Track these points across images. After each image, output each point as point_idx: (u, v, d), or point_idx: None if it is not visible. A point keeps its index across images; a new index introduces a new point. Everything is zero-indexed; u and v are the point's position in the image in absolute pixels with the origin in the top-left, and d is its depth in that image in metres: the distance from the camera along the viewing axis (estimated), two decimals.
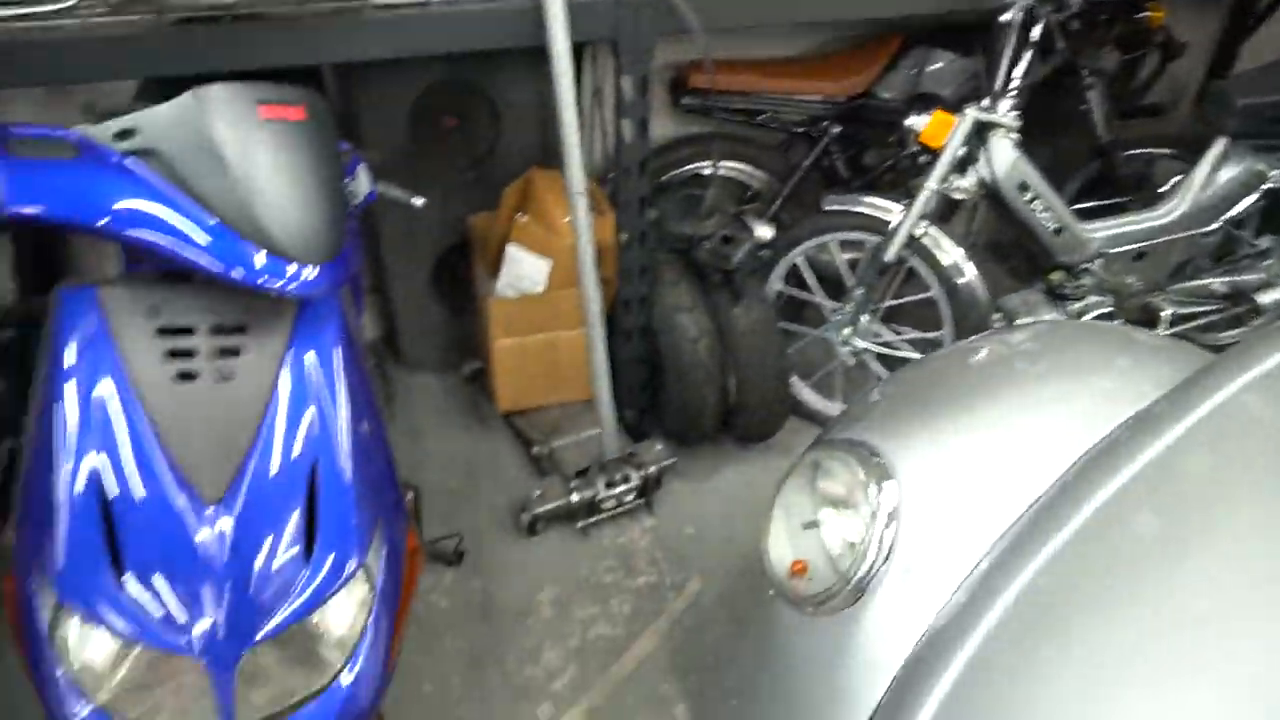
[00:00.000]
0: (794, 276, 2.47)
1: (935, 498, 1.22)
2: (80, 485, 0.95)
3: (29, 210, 0.91)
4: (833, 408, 2.50)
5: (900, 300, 2.37)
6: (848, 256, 2.40)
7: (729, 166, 2.73)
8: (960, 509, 1.20)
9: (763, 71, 2.61)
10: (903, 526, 1.20)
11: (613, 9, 1.85)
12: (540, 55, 1.85)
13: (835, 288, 2.43)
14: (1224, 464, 1.10)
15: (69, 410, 0.97)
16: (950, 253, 2.20)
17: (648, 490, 2.24)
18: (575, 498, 2.14)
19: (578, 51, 1.88)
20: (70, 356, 0.99)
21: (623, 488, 2.17)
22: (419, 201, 1.42)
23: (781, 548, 1.31)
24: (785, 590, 1.27)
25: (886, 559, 1.19)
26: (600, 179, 2.60)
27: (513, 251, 2.29)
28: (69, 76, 1.52)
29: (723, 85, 2.55)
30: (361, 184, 1.25)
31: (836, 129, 2.63)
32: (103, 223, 0.94)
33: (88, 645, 0.93)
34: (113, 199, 0.94)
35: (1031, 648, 1.03)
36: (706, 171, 2.69)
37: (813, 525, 1.29)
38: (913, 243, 2.17)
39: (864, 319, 2.34)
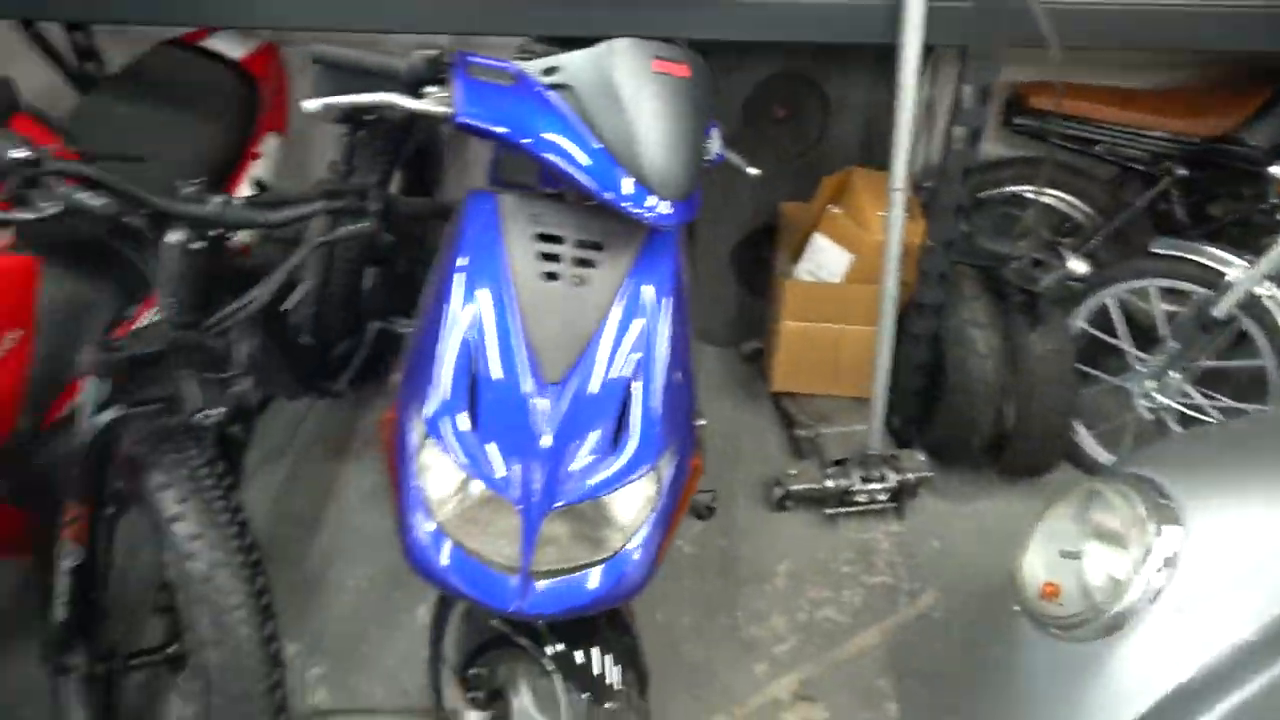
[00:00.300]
0: (1101, 317, 2.35)
1: (1223, 554, 1.17)
2: (456, 349, 1.18)
3: (475, 121, 1.14)
4: None
5: (1221, 364, 2.19)
6: (1167, 307, 2.25)
7: (1052, 194, 2.64)
8: (1248, 572, 1.14)
9: (1110, 100, 2.49)
10: (1179, 574, 1.16)
11: (968, 14, 1.88)
12: (881, 55, 1.92)
13: (1144, 338, 2.29)
14: None
15: (458, 286, 1.20)
16: None
17: (901, 496, 2.26)
18: (829, 484, 2.21)
19: (923, 54, 1.92)
20: (468, 243, 1.22)
21: (877, 485, 2.20)
22: (754, 171, 1.55)
23: (1036, 568, 1.31)
24: (1032, 609, 1.28)
25: (1152, 601, 1.16)
26: (916, 186, 2.62)
27: (818, 240, 2.38)
28: (492, 30, 1.87)
29: (1064, 109, 2.47)
30: (714, 144, 1.40)
31: (1182, 170, 2.46)
32: (526, 141, 1.15)
33: (439, 471, 1.15)
34: (537, 122, 1.15)
35: None
36: (1027, 195, 2.61)
37: (1074, 555, 1.27)
38: (1251, 303, 2.00)
39: (1173, 375, 2.19)
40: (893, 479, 2.21)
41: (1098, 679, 1.15)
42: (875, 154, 2.63)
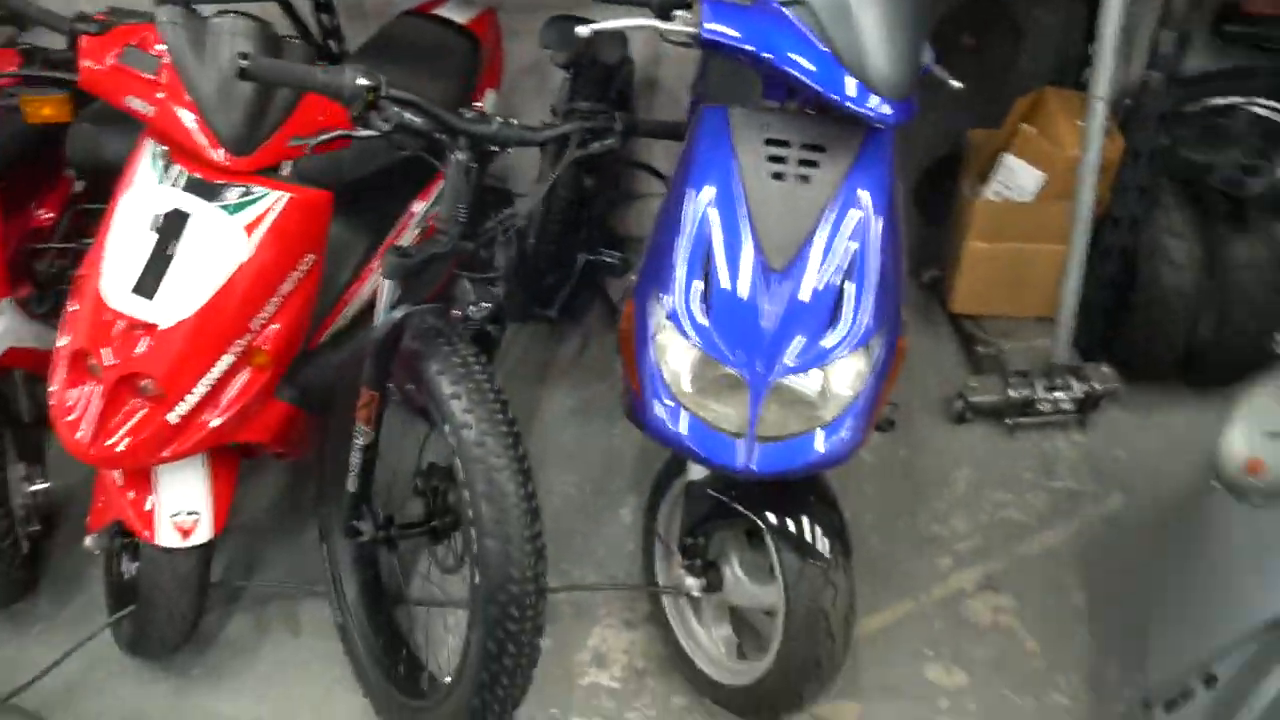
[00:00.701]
0: None
1: None
2: (691, 241, 1.34)
3: (716, 36, 1.28)
4: None
5: None
6: None
7: (1268, 105, 2.52)
8: None
9: None
10: None
11: None
12: None
13: None
14: None
15: (694, 186, 1.36)
16: None
17: (1085, 407, 2.29)
18: (1012, 394, 2.27)
19: None
20: (703, 150, 1.38)
21: (1061, 394, 2.24)
22: (957, 84, 1.61)
23: (1239, 445, 1.34)
24: (1234, 483, 1.32)
25: None
26: (1114, 102, 2.58)
27: (1009, 160, 2.41)
28: None
29: None
30: (925, 55, 1.48)
31: None
32: (766, 55, 1.28)
33: (676, 351, 1.34)
34: (773, 35, 1.28)
35: None
36: (1237, 105, 2.51)
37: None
38: None
39: None
40: (1078, 389, 2.24)
41: None
42: (1068, 77, 2.60)
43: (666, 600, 1.82)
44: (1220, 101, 2.53)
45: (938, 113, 2.60)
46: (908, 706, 1.75)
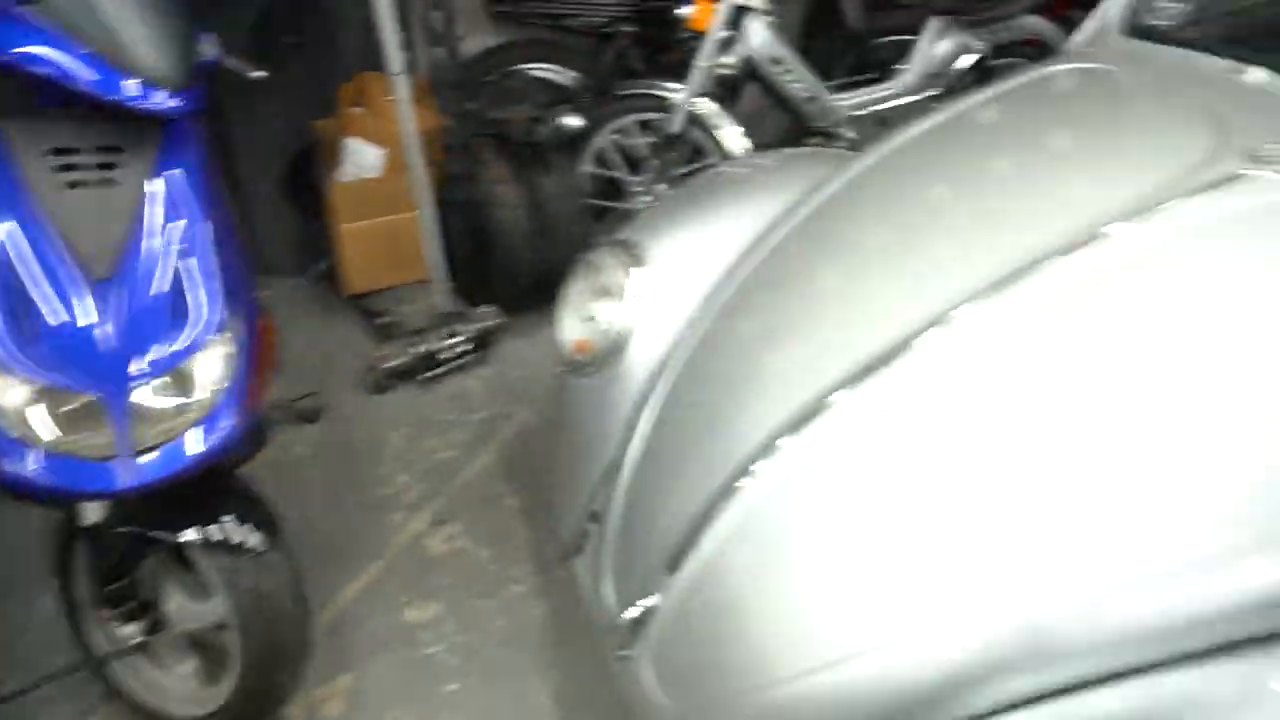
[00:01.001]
0: (604, 160, 2.82)
1: (676, 279, 1.59)
2: None
3: None
4: None
5: (692, 168, 2.75)
6: (647, 141, 2.77)
7: (542, 67, 3.05)
8: (694, 285, 1.57)
9: None
10: (650, 303, 1.56)
11: None
12: None
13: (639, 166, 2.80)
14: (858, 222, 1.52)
15: None
16: (726, 126, 2.60)
17: (480, 345, 2.58)
18: (414, 352, 2.47)
19: None
20: None
21: (454, 340, 2.50)
22: (256, 74, 1.65)
23: (569, 332, 1.66)
24: (570, 363, 1.64)
25: (638, 329, 1.55)
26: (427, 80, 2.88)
27: (350, 143, 2.56)
28: None
29: None
30: (208, 48, 1.49)
31: (633, 29, 2.98)
32: (6, 61, 1.19)
33: (7, 392, 1.20)
34: (12, 42, 1.20)
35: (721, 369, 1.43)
36: (522, 70, 3.00)
37: (591, 312, 1.64)
38: (694, 119, 2.56)
39: (660, 189, 2.72)
40: (468, 332, 2.52)
41: (609, 396, 1.53)
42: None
43: (115, 665, 1.66)
44: (509, 69, 3.00)
45: (287, 109, 2.67)
46: (397, 653, 1.85)
